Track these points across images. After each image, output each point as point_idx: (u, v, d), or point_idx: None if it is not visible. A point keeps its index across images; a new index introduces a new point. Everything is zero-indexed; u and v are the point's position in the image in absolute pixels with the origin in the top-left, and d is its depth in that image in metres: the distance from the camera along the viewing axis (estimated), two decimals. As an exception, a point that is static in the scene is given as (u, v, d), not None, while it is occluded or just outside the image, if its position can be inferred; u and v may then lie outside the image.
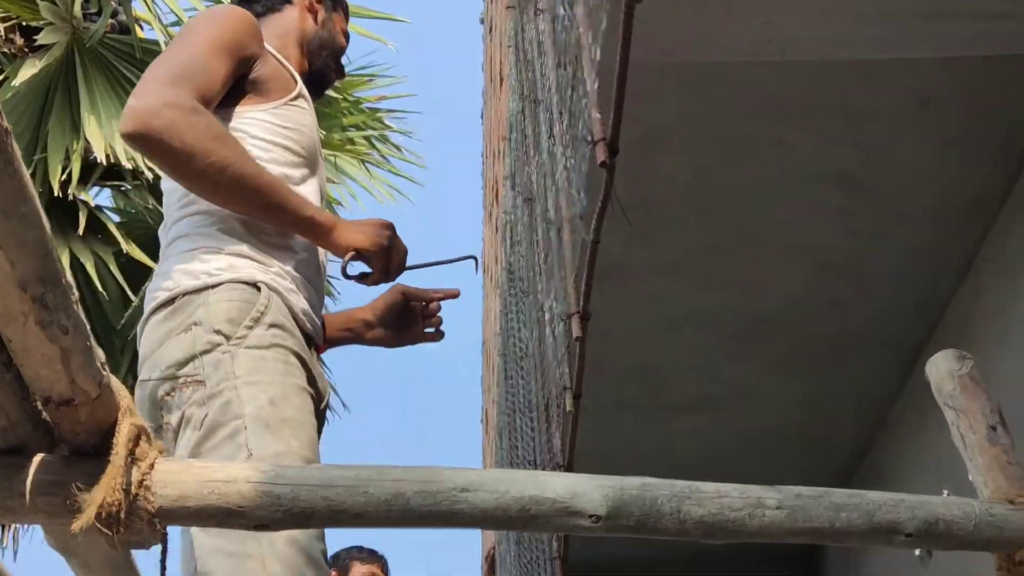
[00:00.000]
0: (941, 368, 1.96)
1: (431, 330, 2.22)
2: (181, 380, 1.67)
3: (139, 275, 7.93)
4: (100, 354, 1.18)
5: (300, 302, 1.87)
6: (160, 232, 1.97)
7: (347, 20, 2.44)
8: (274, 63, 2.01)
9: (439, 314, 2.19)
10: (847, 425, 4.74)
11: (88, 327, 1.13)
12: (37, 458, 1.23)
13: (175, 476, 1.25)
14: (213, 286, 1.75)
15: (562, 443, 2.44)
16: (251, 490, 1.27)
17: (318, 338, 1.97)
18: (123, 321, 6.48)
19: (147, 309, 1.80)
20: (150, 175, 6.90)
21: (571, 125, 2.26)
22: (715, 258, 3.71)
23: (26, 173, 0.92)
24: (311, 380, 1.82)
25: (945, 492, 1.75)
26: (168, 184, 1.94)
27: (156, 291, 1.80)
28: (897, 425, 4.61)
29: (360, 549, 4.25)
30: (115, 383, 1.25)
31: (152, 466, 1.24)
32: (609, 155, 1.84)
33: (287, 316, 1.81)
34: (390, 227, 1.96)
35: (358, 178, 7.43)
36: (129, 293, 7.18)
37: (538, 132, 2.60)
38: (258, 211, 1.85)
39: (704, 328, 4.07)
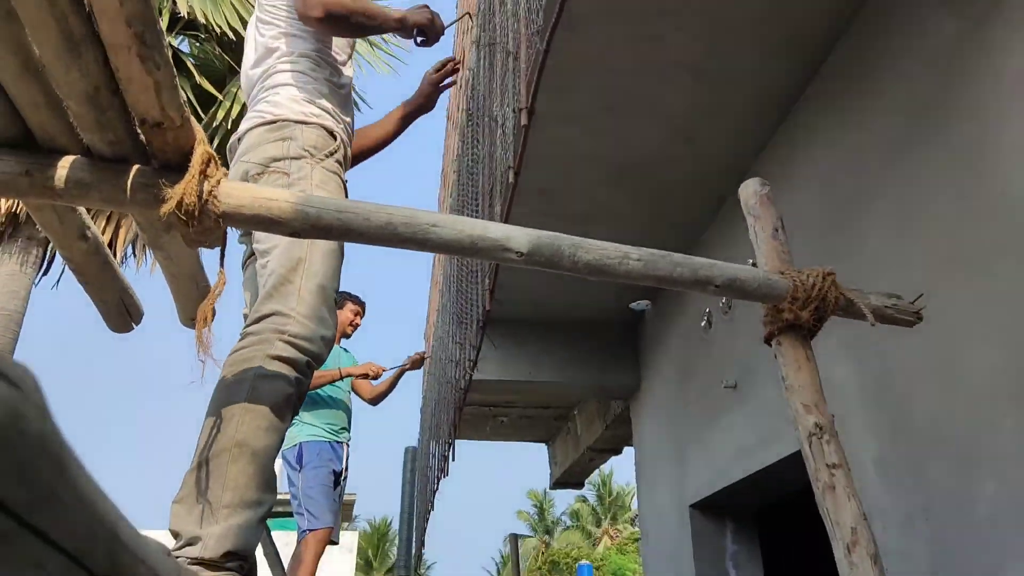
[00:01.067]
0: (749, 189, 1.97)
1: (450, 79, 2.30)
2: (271, 168, 1.70)
3: (208, 101, 7.57)
4: (182, 94, 1.09)
5: (347, 149, 1.95)
6: (252, 71, 1.96)
7: None
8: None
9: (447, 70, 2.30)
10: (676, 241, 4.81)
11: (174, 68, 1.03)
12: (136, 166, 1.15)
13: (235, 191, 1.19)
14: (307, 122, 1.80)
15: (502, 210, 2.39)
16: (289, 207, 1.21)
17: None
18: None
19: (252, 123, 1.82)
20: (217, 30, 6.54)
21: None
22: (605, 116, 3.62)
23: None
24: None
25: (749, 261, 1.80)
26: (267, 42, 1.93)
27: (264, 113, 1.81)
28: (707, 243, 4.70)
29: (348, 294, 4.16)
30: (193, 121, 1.15)
31: (219, 182, 1.17)
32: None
33: (346, 159, 1.89)
34: (428, 7, 2.11)
35: (362, 52, 7.52)
36: (201, 113, 6.85)
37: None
38: (379, 31, 2.05)
39: (591, 166, 4.02)
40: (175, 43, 6.47)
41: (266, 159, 1.71)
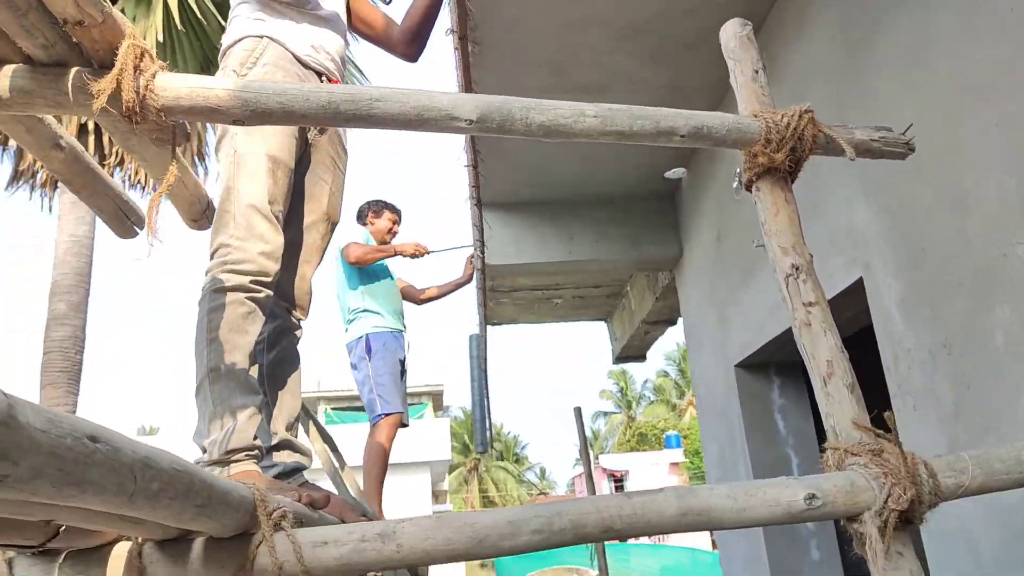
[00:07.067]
0: (729, 31, 1.87)
1: None
2: None
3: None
4: (99, -10, 1.10)
5: (301, 47, 1.97)
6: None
7: None
8: None
9: None
10: (697, 102, 4.61)
11: (82, -35, 1.04)
12: (74, 69, 1.18)
13: (171, 83, 1.21)
14: (238, 40, 1.95)
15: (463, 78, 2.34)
16: (226, 95, 1.23)
17: (329, 72, 2.06)
18: (222, 43, 6.43)
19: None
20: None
21: None
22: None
23: None
24: None
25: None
26: None
27: (224, 43, 2.00)
28: (732, 102, 4.51)
29: (385, 203, 4.16)
30: (121, 17, 1.17)
31: (154, 75, 1.19)
32: None
33: (282, 57, 1.94)
34: None
35: None
36: (223, 23, 6.83)
37: None
38: None
39: (599, 29, 3.84)
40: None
41: None
